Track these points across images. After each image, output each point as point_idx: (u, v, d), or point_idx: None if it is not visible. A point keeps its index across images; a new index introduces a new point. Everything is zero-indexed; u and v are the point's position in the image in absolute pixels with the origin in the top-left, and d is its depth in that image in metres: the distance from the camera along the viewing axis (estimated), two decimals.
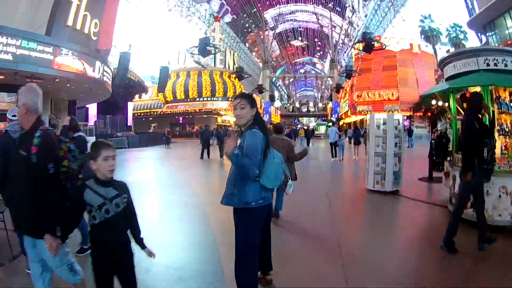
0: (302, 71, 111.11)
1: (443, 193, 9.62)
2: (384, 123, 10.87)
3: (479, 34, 31.25)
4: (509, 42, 23.06)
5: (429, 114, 22.08)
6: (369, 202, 9.97)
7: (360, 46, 30.48)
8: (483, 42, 28.23)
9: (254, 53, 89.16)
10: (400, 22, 56.59)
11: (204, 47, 30.31)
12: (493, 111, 6.76)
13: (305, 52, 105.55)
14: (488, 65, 7.32)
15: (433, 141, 12.99)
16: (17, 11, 18.20)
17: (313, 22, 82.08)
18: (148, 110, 54.86)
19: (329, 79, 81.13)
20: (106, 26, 25.36)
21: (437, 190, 10.89)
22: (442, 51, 53.06)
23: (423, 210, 8.82)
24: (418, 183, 12.62)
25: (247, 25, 78.21)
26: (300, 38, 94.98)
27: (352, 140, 25.22)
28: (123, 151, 30.51)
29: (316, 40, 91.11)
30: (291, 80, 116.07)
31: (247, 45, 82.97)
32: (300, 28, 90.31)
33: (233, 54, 65.86)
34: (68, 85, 20.81)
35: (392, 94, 47.03)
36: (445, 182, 9.46)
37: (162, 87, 49.44)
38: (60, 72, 18.67)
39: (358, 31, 71.36)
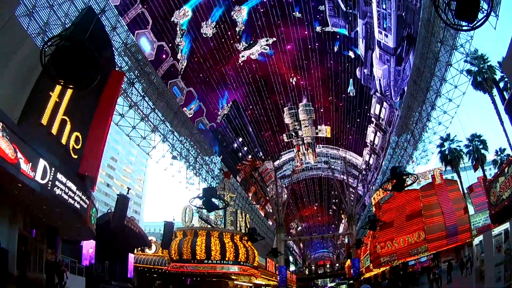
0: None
1: None
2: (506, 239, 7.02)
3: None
4: None
5: None
6: None
7: (390, 185, 26.74)
8: None
9: (255, 203, 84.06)
10: (420, 157, 54.38)
11: (210, 200, 25.08)
12: None
13: (319, 214, 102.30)
14: None
15: None
16: None
17: (327, 170, 76.62)
18: (152, 266, 50.07)
19: (346, 236, 77.25)
20: (91, 147, 21.88)
21: None
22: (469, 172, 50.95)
23: None
24: None
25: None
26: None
27: None
28: None
29: (332, 192, 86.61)
30: (306, 243, 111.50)
31: (250, 194, 78.41)
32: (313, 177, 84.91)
33: (245, 216, 62.31)
34: (31, 198, 16.56)
35: (419, 236, 43.04)
36: None
37: (166, 244, 45.87)
38: None
39: (376, 174, 68.67)
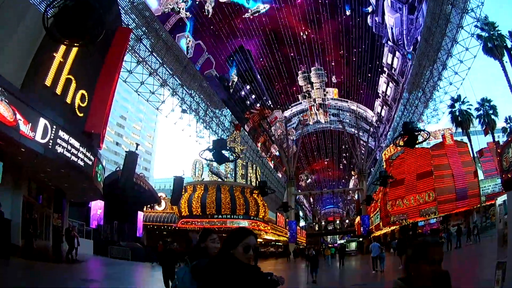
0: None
1: None
2: None
3: None
4: None
5: None
6: None
7: (401, 142, 25.98)
8: None
9: (265, 155, 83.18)
10: (430, 116, 54.20)
11: (220, 152, 24.42)
12: None
13: (329, 169, 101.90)
14: None
15: None
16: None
17: (337, 123, 74.88)
18: (162, 224, 50.42)
19: (356, 193, 77.27)
20: (98, 104, 21.28)
21: None
22: (478, 137, 50.99)
23: None
24: None
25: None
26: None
27: (396, 252, 22.54)
28: (123, 264, 26.92)
29: (343, 146, 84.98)
30: (316, 198, 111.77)
31: (259, 144, 77.88)
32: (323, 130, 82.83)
33: (256, 169, 61.93)
34: (35, 160, 16.43)
35: (429, 196, 43.09)
36: None
37: (175, 200, 45.41)
38: None
39: (388, 127, 67.71)
